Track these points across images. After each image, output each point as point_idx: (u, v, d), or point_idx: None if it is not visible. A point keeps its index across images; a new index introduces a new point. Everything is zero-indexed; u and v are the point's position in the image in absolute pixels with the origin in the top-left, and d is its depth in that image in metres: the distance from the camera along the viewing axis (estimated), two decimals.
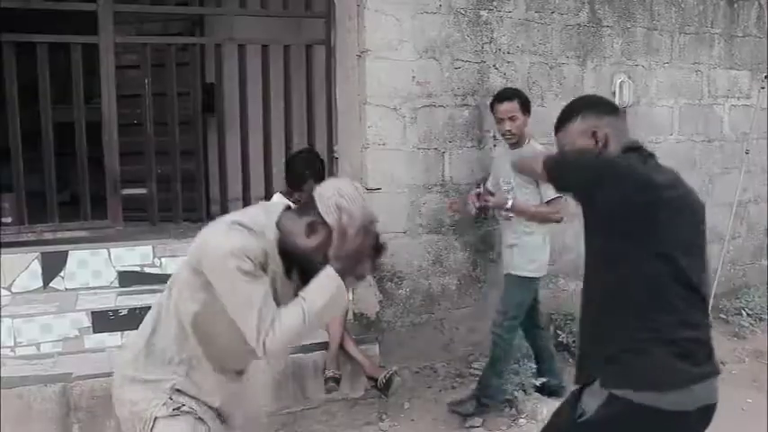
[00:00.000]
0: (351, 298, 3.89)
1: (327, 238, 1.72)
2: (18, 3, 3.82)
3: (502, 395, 3.72)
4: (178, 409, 1.80)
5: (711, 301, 2.03)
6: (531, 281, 3.62)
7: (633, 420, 1.72)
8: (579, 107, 1.98)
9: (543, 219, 3.52)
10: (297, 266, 1.81)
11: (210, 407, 1.88)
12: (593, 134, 1.90)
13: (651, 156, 1.90)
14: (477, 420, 3.66)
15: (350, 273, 1.74)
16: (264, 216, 1.79)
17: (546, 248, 3.65)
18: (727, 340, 4.77)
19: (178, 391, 1.82)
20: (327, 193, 1.75)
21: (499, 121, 3.64)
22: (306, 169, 3.55)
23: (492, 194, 3.62)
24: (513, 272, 3.61)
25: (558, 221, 3.50)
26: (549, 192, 3.40)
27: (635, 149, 1.91)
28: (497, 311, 3.64)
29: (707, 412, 1.78)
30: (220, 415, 1.92)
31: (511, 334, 3.59)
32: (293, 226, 1.77)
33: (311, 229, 1.74)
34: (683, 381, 1.72)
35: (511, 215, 3.51)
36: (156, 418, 1.80)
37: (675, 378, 1.71)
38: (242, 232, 1.70)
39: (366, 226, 1.73)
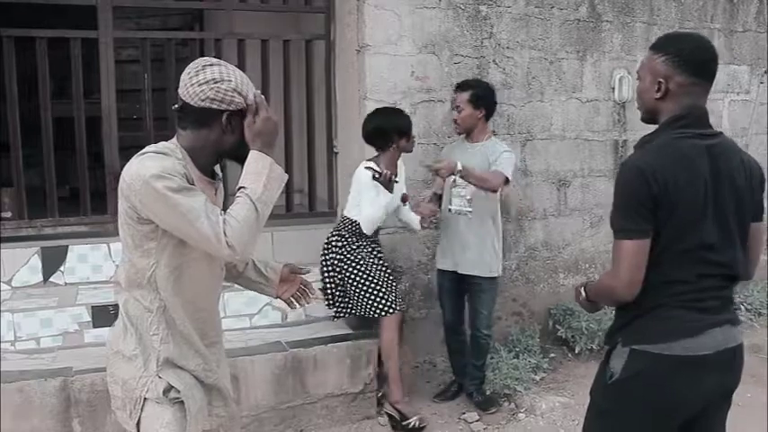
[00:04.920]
0: None
1: (241, 126, 1.75)
2: None
3: None
4: (167, 392, 1.79)
5: None
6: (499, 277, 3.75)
7: (655, 370, 1.82)
8: (672, 49, 1.82)
9: (484, 183, 3.42)
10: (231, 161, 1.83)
11: (196, 377, 1.86)
12: (659, 83, 1.82)
13: (698, 134, 1.81)
14: (474, 416, 3.68)
15: (271, 147, 1.76)
16: (169, 142, 1.83)
17: None
18: None
19: (165, 361, 1.80)
20: (221, 86, 1.72)
21: (454, 108, 3.69)
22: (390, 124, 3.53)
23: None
24: (489, 274, 3.64)
25: (493, 191, 3.48)
26: (501, 168, 3.44)
27: (687, 117, 1.82)
28: (480, 315, 3.69)
29: (730, 354, 1.87)
30: (209, 384, 1.90)
31: (492, 329, 3.80)
32: (206, 135, 1.78)
33: (229, 125, 1.75)
34: (693, 329, 1.81)
35: (457, 177, 3.36)
36: (145, 399, 1.80)
37: (685, 327, 1.81)
38: (153, 157, 1.70)
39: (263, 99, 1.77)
